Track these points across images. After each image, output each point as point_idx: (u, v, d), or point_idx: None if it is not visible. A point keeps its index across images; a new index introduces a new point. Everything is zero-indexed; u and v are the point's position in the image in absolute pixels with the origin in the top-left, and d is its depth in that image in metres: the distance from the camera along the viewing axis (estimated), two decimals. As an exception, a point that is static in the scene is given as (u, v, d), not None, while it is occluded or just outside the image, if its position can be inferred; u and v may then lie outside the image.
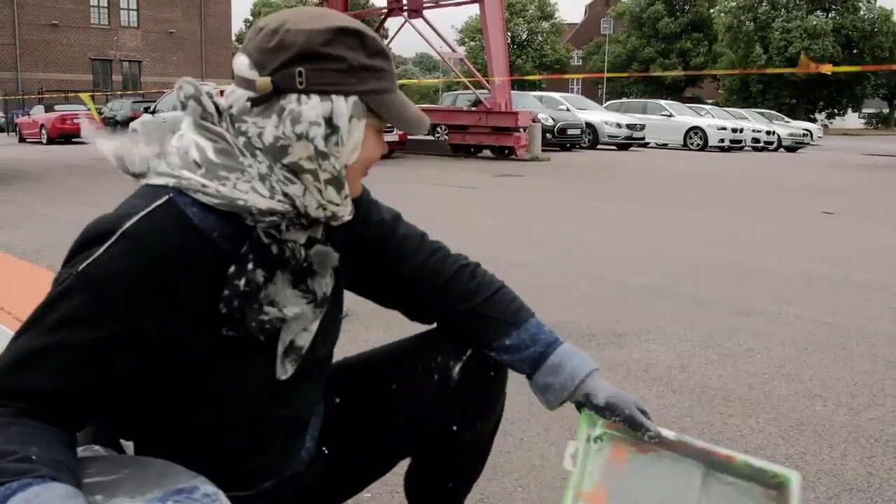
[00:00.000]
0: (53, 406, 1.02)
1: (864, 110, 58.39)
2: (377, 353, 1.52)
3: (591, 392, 1.35)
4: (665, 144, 25.03)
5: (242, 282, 1.09)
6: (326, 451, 1.43)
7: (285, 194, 1.10)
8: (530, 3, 60.32)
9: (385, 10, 18.44)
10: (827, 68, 9.99)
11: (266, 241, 1.10)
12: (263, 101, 1.08)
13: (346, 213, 1.18)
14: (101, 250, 1.03)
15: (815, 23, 45.55)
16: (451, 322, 1.42)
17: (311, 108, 1.06)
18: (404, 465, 1.59)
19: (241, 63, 1.10)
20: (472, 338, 1.40)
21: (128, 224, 1.05)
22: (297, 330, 1.19)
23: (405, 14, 17.40)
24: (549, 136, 19.26)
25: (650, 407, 2.70)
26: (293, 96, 1.07)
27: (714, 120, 25.04)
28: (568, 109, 21.61)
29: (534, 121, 17.33)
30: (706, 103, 36.33)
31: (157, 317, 1.06)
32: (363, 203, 1.36)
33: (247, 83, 1.09)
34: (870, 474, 2.27)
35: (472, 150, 17.67)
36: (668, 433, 1.34)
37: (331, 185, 1.12)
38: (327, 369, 1.39)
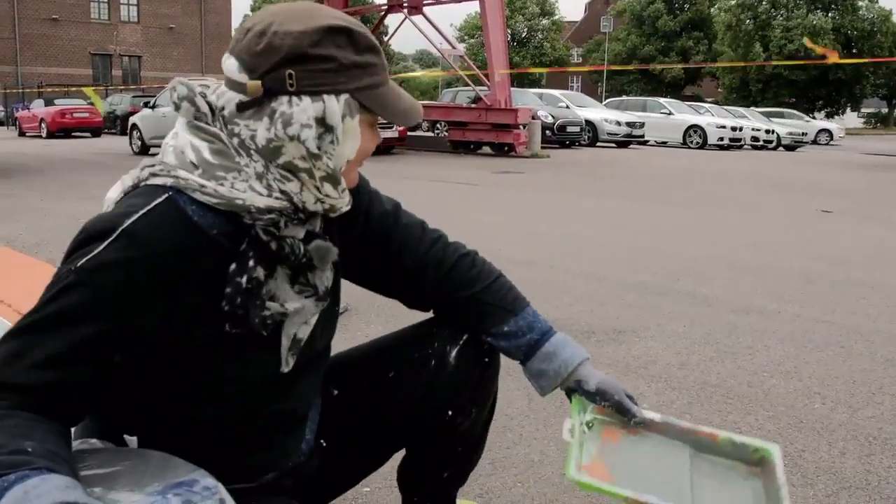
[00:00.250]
0: (50, 400, 1.02)
1: (863, 110, 58.39)
2: (374, 343, 1.54)
3: (582, 379, 1.41)
4: (664, 142, 25.03)
5: (244, 279, 1.10)
6: (325, 444, 1.43)
7: (283, 192, 1.10)
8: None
9: (385, 7, 18.41)
10: (834, 56, 10.01)
11: (265, 239, 1.10)
12: (254, 105, 1.08)
13: (343, 204, 1.19)
14: (102, 247, 1.03)
15: (815, 22, 45.55)
16: (450, 309, 1.45)
17: (303, 109, 1.06)
18: (399, 457, 1.59)
19: (231, 66, 1.09)
20: (471, 324, 1.43)
21: (128, 222, 1.05)
22: (298, 323, 1.20)
23: (405, 11, 17.38)
24: (548, 133, 19.28)
25: (649, 404, 2.72)
26: (284, 98, 1.06)
27: (713, 118, 25.05)
28: (568, 107, 21.59)
29: (533, 118, 17.32)
30: (706, 102, 36.33)
31: (156, 314, 1.06)
32: (364, 195, 1.37)
33: (237, 86, 1.08)
34: (868, 472, 2.27)
35: (472, 146, 17.68)
36: (654, 415, 1.42)
37: (327, 181, 1.12)
38: (325, 363, 1.40)
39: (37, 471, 0.90)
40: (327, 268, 1.22)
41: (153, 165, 1.12)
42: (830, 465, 2.31)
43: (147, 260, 1.04)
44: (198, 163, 1.09)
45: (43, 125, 25.58)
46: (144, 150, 16.14)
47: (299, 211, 1.13)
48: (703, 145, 23.83)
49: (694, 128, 24.34)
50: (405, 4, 17.38)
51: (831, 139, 31.76)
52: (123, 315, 1.04)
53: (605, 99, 33.55)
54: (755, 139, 25.04)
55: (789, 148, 26.42)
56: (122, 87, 36.02)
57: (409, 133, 17.30)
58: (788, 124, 28.98)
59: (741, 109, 29.55)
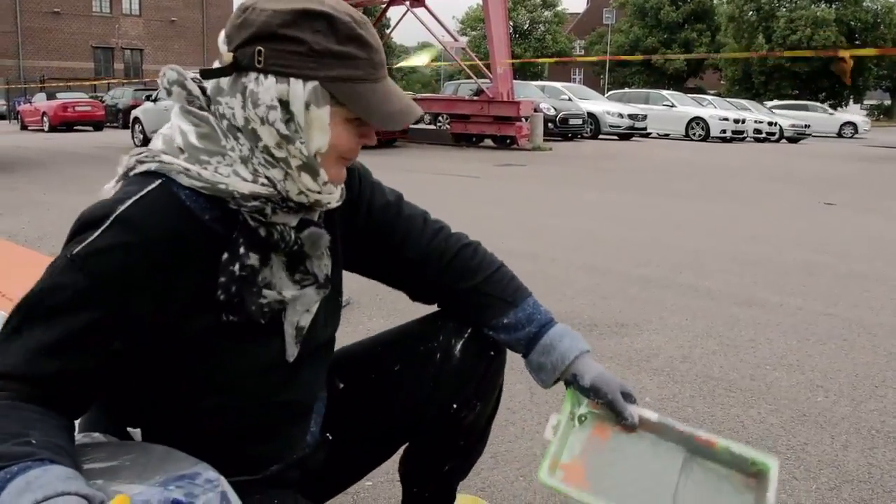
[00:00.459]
0: (52, 390, 1.02)
1: (866, 102, 58.20)
2: (381, 337, 1.54)
3: (578, 373, 1.38)
4: (667, 135, 24.97)
5: (237, 267, 1.10)
6: (331, 437, 1.43)
7: (268, 178, 1.10)
8: (534, -9, 60.14)
9: (387, 0, 18.36)
10: (846, 58, 9.99)
11: (253, 225, 1.10)
12: (225, 75, 1.07)
13: (330, 199, 1.17)
14: (96, 234, 1.04)
15: (818, 13, 45.41)
16: (452, 300, 1.45)
17: (266, 89, 1.05)
18: (402, 449, 1.59)
19: (220, 38, 1.10)
20: (472, 316, 1.43)
21: (121, 208, 1.05)
22: (300, 311, 1.20)
23: (407, 3, 17.33)
24: (550, 125, 19.21)
25: (652, 397, 2.72)
26: (252, 75, 1.06)
27: (716, 110, 24.99)
28: (570, 99, 21.56)
29: (536, 110, 17.28)
30: (708, 94, 36.23)
31: (152, 299, 1.06)
32: (367, 186, 1.37)
33: (219, 58, 1.09)
34: (871, 465, 2.27)
35: (474, 139, 17.64)
36: (651, 415, 1.37)
37: (304, 171, 1.10)
38: (330, 354, 1.40)
39: (39, 462, 0.90)
40: (321, 254, 1.21)
41: (140, 153, 1.12)
42: (833, 458, 2.31)
43: (141, 245, 1.04)
44: (184, 147, 1.10)
45: (45, 119, 25.59)
46: (146, 143, 16.09)
47: (286, 200, 1.12)
48: (706, 138, 23.78)
49: (696, 120, 24.28)
50: (407, -3, 17.34)
51: (856, 132, 30.51)
52: (120, 301, 1.04)
53: (608, 91, 33.49)
54: (758, 131, 24.96)
55: (792, 140, 26.36)
56: (124, 81, 36.00)
57: (411, 126, 17.25)
58: (810, 118, 28.69)
59: (744, 101, 29.46)
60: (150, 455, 1.06)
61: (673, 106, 25.07)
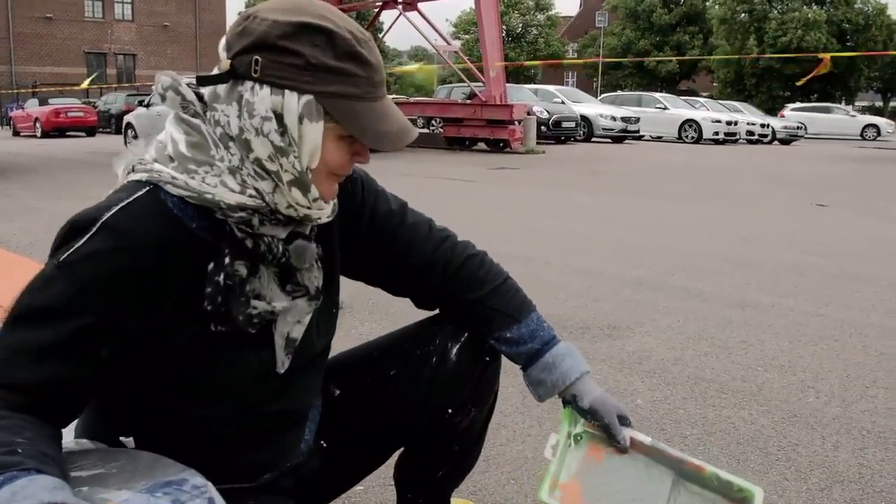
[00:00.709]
0: (40, 399, 1.02)
1: (858, 103, 58.40)
2: (376, 342, 1.53)
3: (578, 394, 1.40)
4: (660, 137, 25.04)
5: (222, 277, 1.10)
6: (325, 445, 1.43)
7: (256, 190, 1.09)
8: (526, -5, 60.22)
9: (380, 3, 18.39)
10: (825, 59, 10.05)
11: (240, 236, 1.10)
12: (222, 82, 1.07)
13: (320, 215, 1.16)
14: (82, 241, 1.03)
15: (809, 15, 45.55)
16: (456, 310, 1.44)
17: (261, 99, 1.04)
18: (397, 454, 1.59)
19: (221, 43, 1.10)
20: (475, 327, 1.43)
21: (107, 215, 1.05)
22: (291, 322, 1.19)
23: (400, 7, 17.36)
24: (544, 128, 19.25)
25: (644, 399, 2.73)
26: (249, 84, 1.05)
27: (708, 113, 25.07)
28: (563, 102, 21.61)
29: (529, 113, 17.32)
30: (701, 96, 36.32)
31: (139, 305, 1.06)
32: (370, 193, 1.37)
33: (219, 63, 1.09)
34: (861, 465, 2.28)
35: (468, 142, 17.67)
36: (644, 438, 1.41)
37: (295, 186, 1.09)
38: (324, 364, 1.40)
39: (25, 472, 0.90)
40: (310, 267, 1.20)
41: (135, 162, 1.13)
42: (824, 458, 2.32)
43: (128, 251, 1.04)
44: (174, 155, 1.09)
45: (37, 124, 25.51)
46: (140, 148, 16.10)
47: (274, 212, 1.12)
48: (699, 140, 23.85)
49: (689, 122, 24.36)
50: (400, 0, 17.36)
51: (878, 135, 29.72)
52: (107, 307, 1.04)
53: (601, 94, 33.54)
54: (750, 133, 25.06)
55: (784, 142, 26.44)
56: (117, 86, 35.95)
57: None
58: (832, 120, 28.74)
59: (736, 103, 29.53)
60: (138, 462, 1.06)
61: (665, 108, 25.15)
